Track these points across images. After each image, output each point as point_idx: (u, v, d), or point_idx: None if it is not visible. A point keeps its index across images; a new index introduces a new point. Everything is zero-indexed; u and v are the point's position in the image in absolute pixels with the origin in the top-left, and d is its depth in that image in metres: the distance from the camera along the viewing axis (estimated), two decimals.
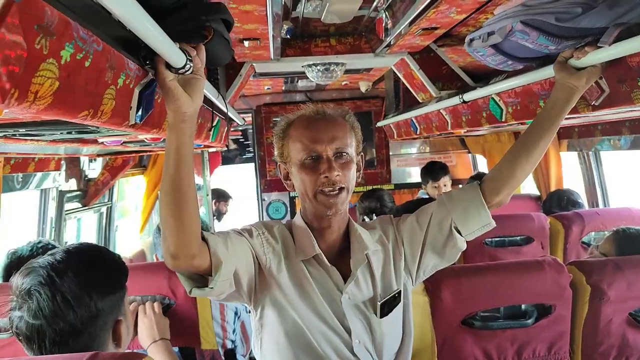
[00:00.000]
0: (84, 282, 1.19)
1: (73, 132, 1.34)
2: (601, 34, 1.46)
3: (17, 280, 1.20)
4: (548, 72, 1.71)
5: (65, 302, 1.16)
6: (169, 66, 1.12)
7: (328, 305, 1.44)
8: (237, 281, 1.36)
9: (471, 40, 1.89)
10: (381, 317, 1.46)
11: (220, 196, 5.69)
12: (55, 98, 0.74)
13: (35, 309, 1.16)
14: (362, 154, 1.55)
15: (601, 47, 1.38)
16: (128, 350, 1.58)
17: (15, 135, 1.31)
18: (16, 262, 2.12)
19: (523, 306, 1.79)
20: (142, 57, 1.12)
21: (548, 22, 1.55)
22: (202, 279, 1.29)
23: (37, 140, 1.50)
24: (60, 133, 1.34)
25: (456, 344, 1.73)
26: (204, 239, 1.25)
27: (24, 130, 1.21)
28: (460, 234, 1.49)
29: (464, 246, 1.51)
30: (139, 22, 0.83)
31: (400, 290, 1.51)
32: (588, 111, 1.69)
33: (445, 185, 4.12)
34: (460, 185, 5.06)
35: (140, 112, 1.17)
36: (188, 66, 1.13)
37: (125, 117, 1.11)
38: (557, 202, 3.49)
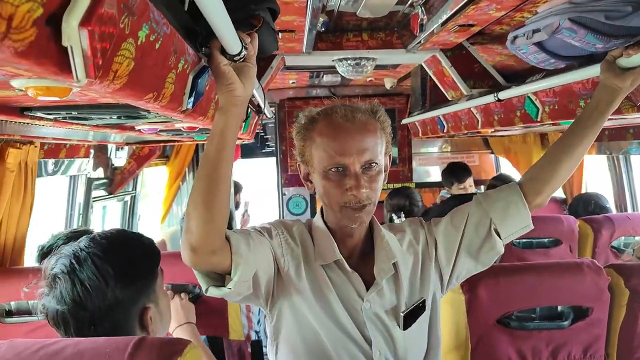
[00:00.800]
0: (103, 271, 1.19)
1: (122, 117, 1.35)
2: None
3: (47, 264, 1.23)
4: (592, 71, 1.68)
5: (84, 291, 1.17)
6: (223, 52, 1.13)
7: (348, 313, 1.36)
8: (255, 284, 1.29)
9: (515, 37, 1.86)
10: (404, 329, 1.38)
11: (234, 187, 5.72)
12: (130, 79, 0.74)
13: (58, 296, 1.18)
14: (390, 153, 1.44)
15: None
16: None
17: (66, 118, 1.32)
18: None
19: (559, 308, 1.77)
20: (199, 43, 1.12)
21: (597, 19, 1.53)
22: (220, 278, 1.22)
23: (82, 124, 1.51)
24: (110, 117, 1.34)
25: (491, 343, 1.71)
26: (226, 237, 1.19)
27: (76, 112, 1.21)
28: (499, 235, 1.42)
29: (502, 250, 1.44)
30: (212, 4, 0.82)
31: (425, 299, 1.43)
32: (633, 112, 1.66)
33: (470, 186, 4.08)
34: (482, 187, 5.00)
35: (192, 98, 1.17)
36: (243, 53, 1.13)
37: (179, 102, 1.12)
38: (583, 206, 3.44)
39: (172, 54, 0.92)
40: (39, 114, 1.22)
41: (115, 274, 1.20)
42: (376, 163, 1.33)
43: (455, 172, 4.13)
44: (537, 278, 1.74)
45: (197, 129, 2.05)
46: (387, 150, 1.42)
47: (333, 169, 1.31)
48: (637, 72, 1.44)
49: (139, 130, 2.01)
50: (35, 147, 2.22)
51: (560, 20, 1.60)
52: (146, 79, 0.82)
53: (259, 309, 2.44)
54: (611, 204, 3.55)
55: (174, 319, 1.94)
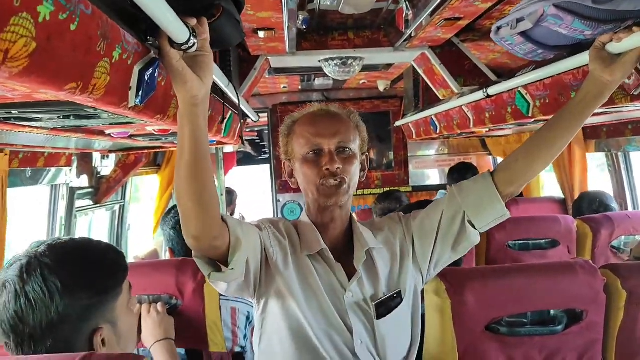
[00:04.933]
0: (49, 283, 1.08)
1: (71, 117, 1.26)
2: None
3: (2, 270, 1.13)
4: (582, 59, 1.58)
5: (27, 304, 1.07)
6: (172, 43, 1.03)
7: (331, 302, 1.43)
8: (246, 269, 1.35)
9: (498, 28, 1.77)
10: (378, 318, 1.43)
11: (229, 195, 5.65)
12: (33, 61, 0.65)
13: (2, 305, 1.08)
14: (366, 154, 1.57)
15: None
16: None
17: (9, 119, 1.23)
18: None
19: (552, 311, 1.67)
20: (142, 32, 1.03)
21: (584, 4, 1.44)
22: (218, 267, 1.27)
23: (37, 127, 1.42)
24: (58, 117, 1.25)
25: (479, 351, 1.61)
26: (223, 220, 1.25)
27: (16, 112, 1.12)
28: (474, 227, 1.45)
29: (478, 239, 1.49)
30: None
31: (400, 291, 1.48)
32: (626, 102, 1.57)
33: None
34: None
35: (140, 94, 1.08)
36: (192, 42, 1.04)
37: (123, 98, 1.03)
38: (588, 204, 3.31)
39: (100, 39, 0.83)
40: None
41: (63, 287, 1.08)
42: (349, 148, 1.46)
43: (464, 177, 3.93)
44: (527, 280, 1.63)
45: (170, 132, 1.96)
46: (363, 149, 1.54)
47: (311, 152, 1.45)
48: (628, 63, 1.34)
49: (110, 135, 1.92)
50: (5, 155, 2.14)
51: (545, 7, 1.52)
52: (61, 64, 0.73)
53: (245, 323, 2.35)
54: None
55: (151, 335, 1.85)
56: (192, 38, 1.04)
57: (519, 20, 1.63)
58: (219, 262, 1.27)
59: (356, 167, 1.48)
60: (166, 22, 0.94)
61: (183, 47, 1.04)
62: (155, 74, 1.13)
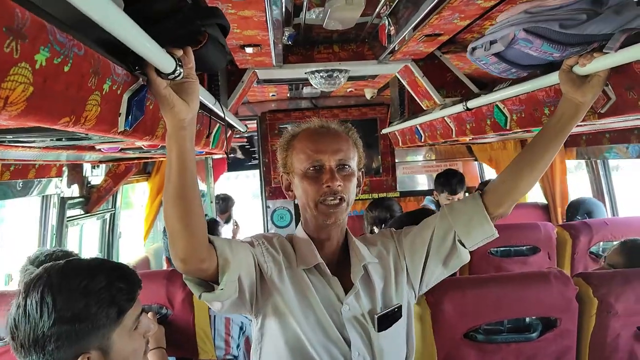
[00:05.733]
0: (44, 301, 1.11)
1: (63, 139, 1.31)
2: (607, 40, 1.42)
3: (28, 270, 1.19)
4: (553, 78, 1.66)
5: (23, 315, 1.12)
6: (159, 72, 1.10)
7: (329, 315, 1.43)
8: (240, 287, 1.35)
9: (473, 49, 1.84)
10: (379, 330, 1.44)
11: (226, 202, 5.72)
12: (30, 104, 0.71)
13: (11, 307, 1.14)
14: (362, 170, 1.58)
15: (607, 53, 1.34)
16: None
17: (4, 142, 1.29)
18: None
19: (527, 319, 1.74)
20: (131, 63, 1.09)
21: (552, 29, 1.51)
22: (209, 286, 1.28)
23: (30, 147, 1.47)
24: (50, 140, 1.31)
25: (458, 358, 1.68)
26: (210, 242, 1.26)
27: (11, 136, 1.18)
28: (464, 246, 1.48)
29: (468, 258, 1.51)
30: (121, 27, 0.79)
31: (401, 305, 1.50)
32: (594, 119, 1.64)
33: (459, 199, 3.99)
34: (467, 195, 4.99)
35: (129, 119, 1.14)
36: (178, 71, 1.11)
37: (113, 124, 1.08)
38: (578, 211, 3.40)
39: (91, 76, 0.89)
40: None
41: (54, 310, 1.11)
42: (349, 165, 1.48)
43: (450, 182, 3.95)
44: (503, 289, 1.71)
45: (160, 145, 2.02)
46: (360, 165, 1.56)
47: (311, 168, 1.45)
48: (596, 85, 1.42)
49: (100, 150, 1.98)
50: None
51: (515, 31, 1.59)
52: (55, 103, 0.79)
53: (239, 333, 2.40)
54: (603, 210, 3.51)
55: None
56: (178, 68, 1.10)
57: (492, 42, 1.70)
58: (210, 282, 1.27)
59: (354, 185, 1.49)
60: (153, 55, 1.00)
61: (170, 77, 1.10)
62: (144, 100, 1.18)
